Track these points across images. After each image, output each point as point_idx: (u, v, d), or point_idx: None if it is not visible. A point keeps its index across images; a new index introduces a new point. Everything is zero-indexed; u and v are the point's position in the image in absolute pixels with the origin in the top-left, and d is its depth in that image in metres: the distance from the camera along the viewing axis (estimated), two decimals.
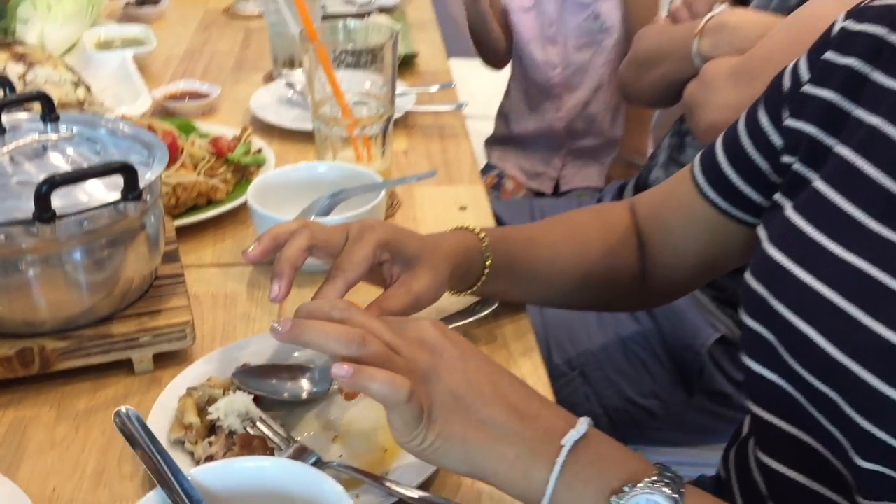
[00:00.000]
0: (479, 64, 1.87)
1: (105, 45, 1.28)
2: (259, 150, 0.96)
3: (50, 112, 0.66)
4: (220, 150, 0.94)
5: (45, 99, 0.66)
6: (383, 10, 1.50)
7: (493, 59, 1.74)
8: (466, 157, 1.04)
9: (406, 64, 1.28)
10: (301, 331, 0.48)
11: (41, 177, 0.59)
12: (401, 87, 1.15)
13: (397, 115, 1.07)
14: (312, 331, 0.47)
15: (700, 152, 0.77)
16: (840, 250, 0.57)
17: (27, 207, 0.59)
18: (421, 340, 0.50)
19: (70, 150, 0.68)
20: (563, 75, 1.62)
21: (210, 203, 0.88)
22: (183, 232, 0.83)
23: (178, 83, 1.17)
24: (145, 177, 0.63)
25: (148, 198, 0.65)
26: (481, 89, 2.09)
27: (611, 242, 0.80)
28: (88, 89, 1.09)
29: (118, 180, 0.62)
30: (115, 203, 0.62)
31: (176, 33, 1.43)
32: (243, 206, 0.87)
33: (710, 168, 0.74)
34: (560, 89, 1.64)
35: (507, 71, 1.79)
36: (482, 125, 1.84)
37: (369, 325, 0.50)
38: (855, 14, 0.65)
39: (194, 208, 0.87)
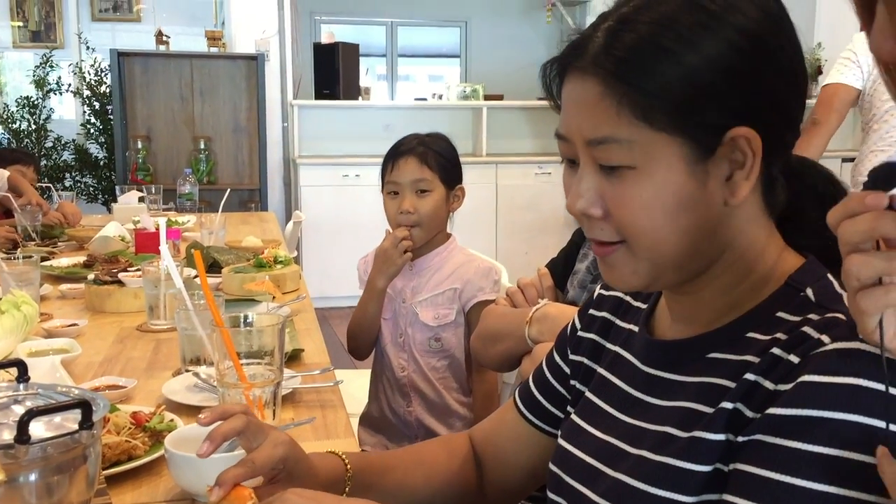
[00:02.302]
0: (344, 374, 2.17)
1: (37, 355, 1.51)
2: (171, 420, 1.19)
3: (23, 374, 0.90)
4: (138, 421, 1.16)
5: (20, 364, 0.90)
6: None
7: (362, 353, 2.05)
8: (342, 421, 1.29)
9: (294, 358, 1.56)
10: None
11: (6, 420, 0.82)
12: (290, 372, 1.42)
13: (286, 391, 1.33)
14: None
15: (519, 387, 1.07)
16: (599, 433, 0.86)
17: None
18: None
19: (29, 403, 0.90)
20: (410, 377, 1.94)
21: (130, 458, 1.08)
22: (109, 479, 1.02)
23: (100, 378, 1.41)
24: (97, 412, 0.86)
25: (95, 432, 0.87)
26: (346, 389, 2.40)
27: (454, 466, 1.05)
28: None
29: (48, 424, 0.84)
30: (73, 433, 0.83)
31: (95, 346, 1.68)
32: (157, 461, 1.09)
33: (527, 397, 1.03)
34: (408, 388, 1.95)
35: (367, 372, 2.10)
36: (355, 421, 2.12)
37: None
38: (604, 285, 1.01)
39: (117, 463, 1.07)
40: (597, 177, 0.75)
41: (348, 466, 0.96)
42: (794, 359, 0.69)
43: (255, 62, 5.34)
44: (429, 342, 1.93)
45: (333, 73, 5.84)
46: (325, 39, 6.99)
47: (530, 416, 1.01)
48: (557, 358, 1.01)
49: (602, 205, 0.75)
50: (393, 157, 1.95)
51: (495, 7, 7.41)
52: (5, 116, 5.81)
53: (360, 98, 6.07)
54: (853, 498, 0.62)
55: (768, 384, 0.70)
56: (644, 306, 0.90)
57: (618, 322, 0.93)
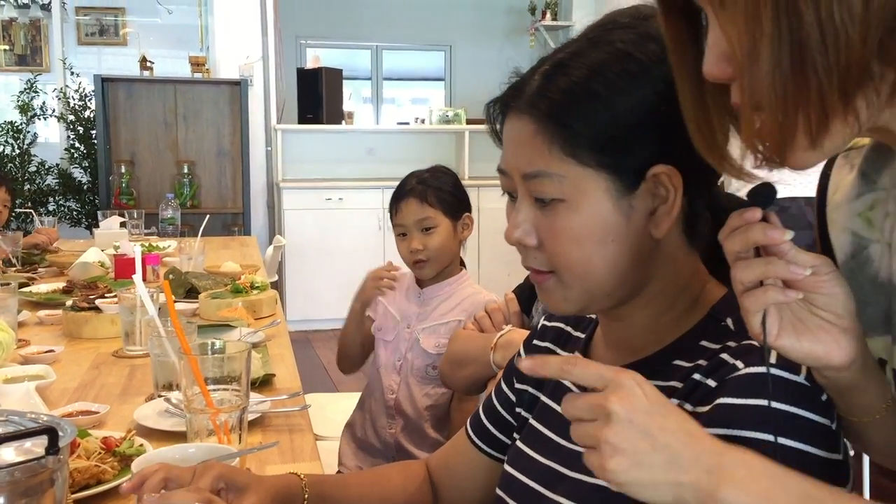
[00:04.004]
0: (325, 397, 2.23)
1: (12, 381, 1.54)
2: (141, 445, 1.22)
3: None
4: (108, 446, 1.20)
5: None
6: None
7: (346, 368, 2.16)
8: (309, 445, 1.32)
9: (265, 382, 1.60)
10: (167, 497, 0.74)
11: None
12: (259, 397, 1.45)
13: (255, 416, 1.37)
14: (177, 495, 0.74)
15: (471, 415, 1.12)
16: (541, 458, 0.90)
17: None
18: None
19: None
20: (398, 401, 1.98)
21: (99, 482, 1.12)
22: (78, 503, 1.06)
23: (74, 404, 1.44)
24: (63, 438, 0.89)
25: (61, 457, 0.90)
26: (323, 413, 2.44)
27: (410, 488, 1.09)
28: None
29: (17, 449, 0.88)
30: (40, 458, 0.87)
31: (71, 372, 1.71)
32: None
33: (477, 425, 1.08)
34: (394, 410, 1.99)
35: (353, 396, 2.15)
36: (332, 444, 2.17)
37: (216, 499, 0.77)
38: (547, 317, 1.05)
39: (87, 486, 1.10)
40: (532, 209, 0.81)
41: (302, 477, 0.99)
42: (712, 383, 0.74)
43: (238, 87, 5.40)
44: (426, 369, 1.98)
45: (317, 97, 5.91)
46: (310, 63, 7.06)
47: (479, 443, 1.05)
48: (504, 387, 1.05)
49: (536, 235, 0.81)
50: (396, 201, 2.02)
51: (479, 31, 7.53)
52: None
53: (343, 122, 6.13)
54: None
55: (689, 407, 0.75)
56: (583, 336, 0.95)
57: (559, 351, 0.98)
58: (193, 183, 5.42)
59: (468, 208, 2.06)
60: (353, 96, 7.87)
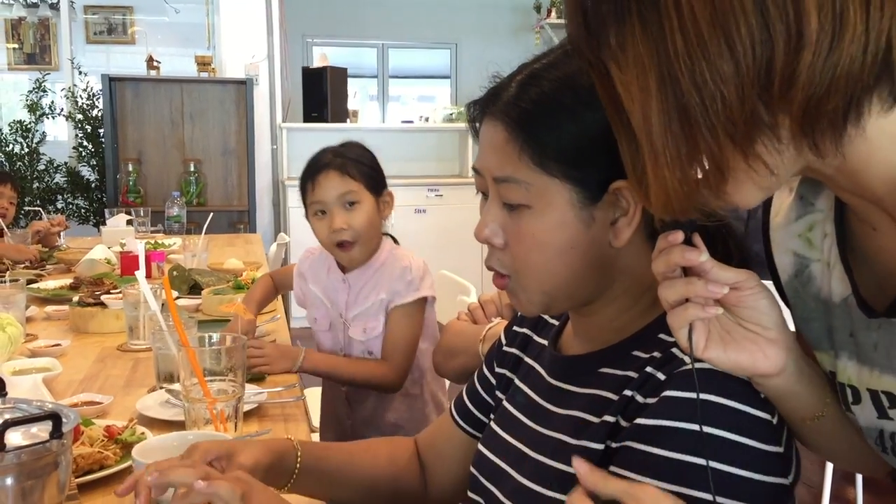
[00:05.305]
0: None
1: (20, 373, 1.60)
2: (142, 433, 1.28)
3: (2, 390, 0.99)
4: (111, 434, 1.26)
5: None
6: None
7: None
8: (303, 433, 1.38)
9: (262, 378, 1.66)
10: (166, 467, 0.80)
11: None
12: (257, 388, 1.51)
13: (252, 406, 1.43)
14: (176, 470, 0.80)
15: (455, 397, 1.17)
16: (509, 437, 0.97)
17: None
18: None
19: (6, 415, 0.99)
20: (349, 390, 1.96)
21: (102, 468, 1.18)
22: (82, 487, 1.12)
23: (79, 395, 1.50)
24: (67, 424, 0.95)
25: (65, 441, 0.96)
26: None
27: (397, 460, 1.15)
28: None
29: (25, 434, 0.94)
30: (45, 442, 0.93)
31: (77, 365, 1.77)
32: (127, 470, 1.18)
33: (460, 405, 1.14)
34: (347, 398, 1.97)
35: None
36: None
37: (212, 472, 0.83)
38: None
39: (90, 471, 1.16)
40: (502, 211, 0.86)
41: (295, 443, 1.04)
42: (661, 376, 0.78)
43: (244, 86, 5.46)
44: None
45: (322, 96, 5.96)
46: (317, 61, 7.12)
47: (461, 423, 1.11)
48: (486, 371, 1.11)
49: (504, 236, 0.86)
50: (311, 176, 1.85)
51: (485, 29, 7.56)
52: None
53: (348, 121, 6.19)
54: (698, 498, 0.71)
55: (639, 398, 0.79)
56: (556, 324, 1.00)
57: (534, 337, 1.03)
58: (200, 181, 5.49)
59: (386, 185, 1.93)
60: (360, 94, 7.93)
